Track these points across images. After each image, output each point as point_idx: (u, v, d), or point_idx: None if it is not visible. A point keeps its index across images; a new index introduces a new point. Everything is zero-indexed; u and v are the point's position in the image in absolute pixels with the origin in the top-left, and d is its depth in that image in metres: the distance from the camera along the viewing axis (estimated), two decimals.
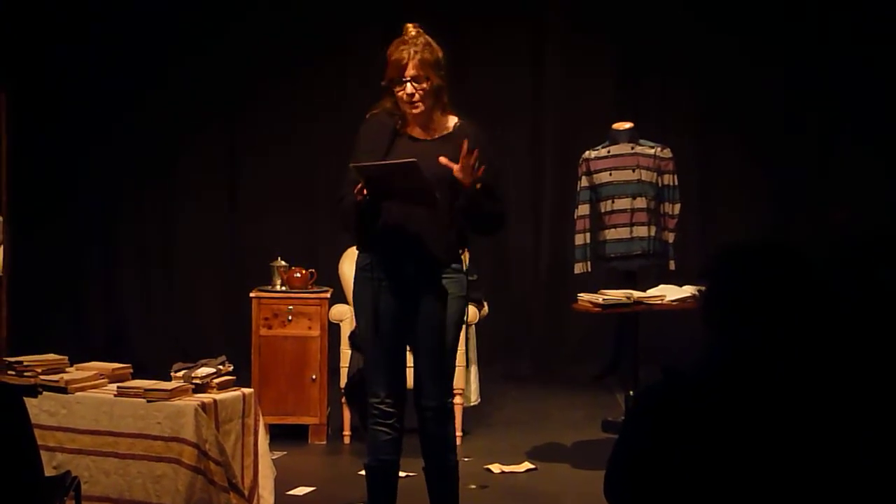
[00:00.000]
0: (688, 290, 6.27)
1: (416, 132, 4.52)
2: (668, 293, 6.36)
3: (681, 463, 2.45)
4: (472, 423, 7.10)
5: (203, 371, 5.19)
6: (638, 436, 2.55)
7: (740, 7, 8.79)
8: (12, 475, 3.19)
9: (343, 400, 6.64)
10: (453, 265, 4.58)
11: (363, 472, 4.70)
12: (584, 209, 6.91)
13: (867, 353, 2.55)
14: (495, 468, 6.22)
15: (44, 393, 5.11)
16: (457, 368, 6.47)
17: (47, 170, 8.81)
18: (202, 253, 9.11)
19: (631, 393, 6.81)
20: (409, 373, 4.63)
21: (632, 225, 6.78)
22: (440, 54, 4.47)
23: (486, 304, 7.04)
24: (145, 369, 6.32)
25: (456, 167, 4.31)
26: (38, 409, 5.03)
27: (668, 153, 6.84)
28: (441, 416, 4.58)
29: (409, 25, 4.49)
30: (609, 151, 6.86)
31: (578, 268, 6.95)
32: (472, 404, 6.92)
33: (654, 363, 3.16)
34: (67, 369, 5.31)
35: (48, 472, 4.32)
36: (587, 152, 6.93)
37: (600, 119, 7.70)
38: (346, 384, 6.57)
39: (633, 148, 6.83)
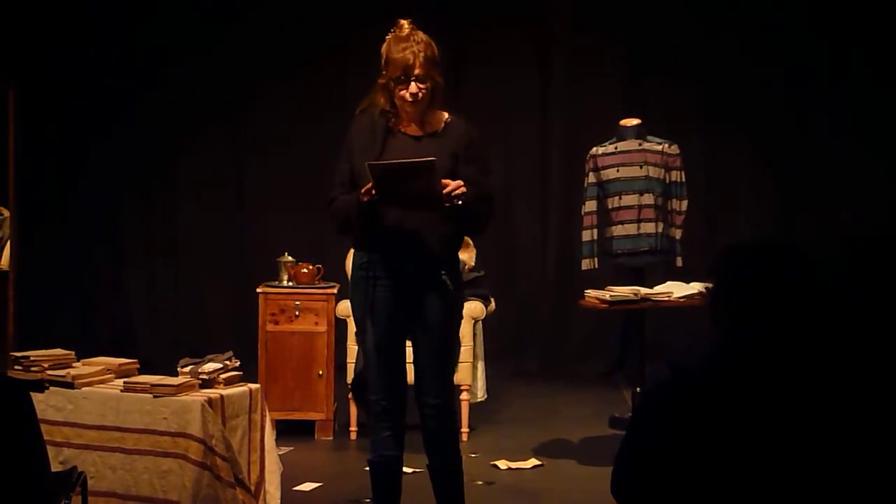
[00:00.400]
0: (695, 287, 6.25)
1: (410, 129, 4.51)
2: (676, 290, 6.34)
3: (687, 459, 2.45)
4: (479, 419, 7.10)
5: (210, 366, 5.19)
6: (645, 432, 2.55)
7: (746, 5, 8.78)
8: (19, 471, 3.19)
9: (350, 396, 6.64)
10: (450, 262, 4.57)
11: (368, 468, 4.70)
12: (591, 205, 6.91)
13: (868, 353, 2.54)
14: (502, 464, 6.22)
15: (50, 388, 5.11)
16: (464, 364, 6.54)
17: (54, 166, 8.84)
18: (209, 248, 9.13)
19: (638, 389, 6.82)
20: (410, 369, 4.63)
21: (639, 221, 6.77)
22: (437, 51, 4.48)
23: (492, 300, 7.03)
24: (152, 364, 6.32)
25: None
26: (45, 404, 5.03)
27: (675, 149, 6.83)
28: (442, 414, 4.57)
29: (404, 22, 4.47)
30: (616, 148, 6.85)
31: (585, 264, 6.95)
32: (478, 400, 6.92)
33: (661, 360, 3.15)
34: (74, 364, 5.31)
35: (55, 467, 4.32)
36: (594, 149, 6.92)
37: (607, 116, 7.69)
38: (353, 380, 6.56)
39: (640, 144, 6.83)
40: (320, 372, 6.74)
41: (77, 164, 8.95)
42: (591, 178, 6.90)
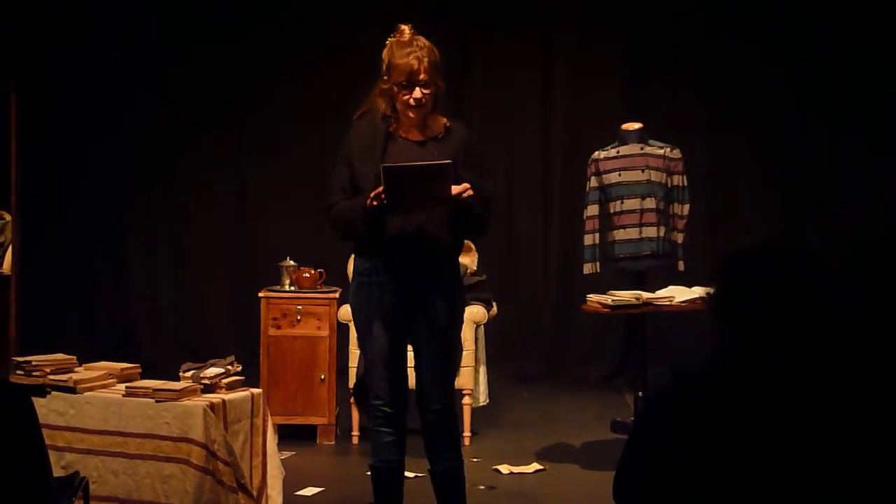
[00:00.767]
0: (697, 292, 6.25)
1: (410, 134, 4.51)
2: (678, 294, 6.34)
3: (689, 464, 2.45)
4: (481, 423, 7.09)
5: (212, 371, 5.19)
6: (647, 437, 2.54)
7: (749, 8, 8.78)
8: (21, 475, 3.19)
9: (352, 400, 6.63)
10: (452, 267, 4.57)
11: (369, 473, 4.70)
12: (593, 210, 6.91)
13: (869, 359, 2.54)
14: (504, 469, 6.21)
15: (52, 393, 5.11)
16: (465, 369, 6.54)
17: (56, 170, 8.84)
18: (211, 253, 9.13)
19: (640, 394, 6.81)
20: (411, 374, 4.62)
21: (641, 225, 6.77)
22: (439, 56, 4.49)
23: (494, 304, 7.03)
24: (154, 369, 6.33)
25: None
26: (47, 408, 5.03)
27: (677, 154, 6.84)
28: (444, 419, 4.58)
29: (405, 27, 4.48)
30: (618, 152, 6.85)
31: (587, 268, 6.95)
32: (480, 405, 6.91)
33: (664, 364, 3.16)
34: (76, 369, 5.31)
35: (57, 472, 4.32)
36: (596, 153, 6.92)
37: (609, 120, 7.70)
38: (355, 384, 6.57)
39: (642, 148, 6.83)
40: (322, 376, 6.73)
41: (78, 168, 8.95)
42: (593, 182, 6.90)
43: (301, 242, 8.15)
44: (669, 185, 6.81)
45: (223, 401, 5.03)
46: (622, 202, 6.80)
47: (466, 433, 6.68)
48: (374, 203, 4.28)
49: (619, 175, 6.82)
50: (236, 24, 8.97)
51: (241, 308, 8.66)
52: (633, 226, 6.78)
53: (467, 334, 6.36)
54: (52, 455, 4.10)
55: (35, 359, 5.29)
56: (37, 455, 3.31)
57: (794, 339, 2.46)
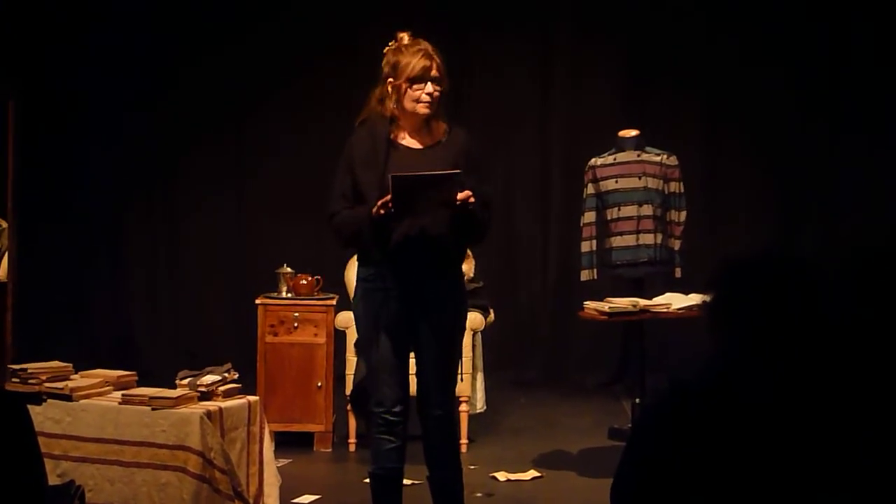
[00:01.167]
0: (694, 299, 6.25)
1: (411, 140, 4.52)
2: (675, 301, 6.34)
3: (687, 471, 2.44)
4: (479, 430, 7.08)
5: (208, 378, 5.19)
6: (645, 444, 2.54)
7: (746, 14, 8.78)
8: (15, 484, 3.18)
9: (349, 407, 6.62)
10: (456, 272, 4.58)
11: (368, 480, 4.69)
12: (590, 216, 6.91)
13: (867, 367, 2.54)
14: (501, 476, 6.20)
15: (48, 400, 5.11)
16: (463, 376, 6.52)
17: (53, 175, 8.81)
18: (208, 259, 9.12)
19: (638, 401, 6.80)
20: (412, 380, 4.62)
21: (638, 232, 6.77)
22: None
23: (491, 311, 7.02)
24: (150, 377, 6.31)
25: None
26: (43, 416, 5.03)
27: (674, 160, 6.84)
28: (445, 425, 4.58)
29: (404, 35, 4.50)
30: (615, 159, 6.85)
31: (585, 275, 6.95)
32: (478, 412, 6.91)
33: (661, 371, 3.16)
34: (72, 377, 5.31)
35: (52, 480, 4.31)
36: (593, 160, 6.92)
37: (606, 126, 7.70)
38: (352, 391, 6.56)
39: (639, 155, 6.83)
40: (319, 383, 6.72)
41: (80, 170, 8.93)
42: (590, 189, 6.90)
43: (298, 249, 8.14)
44: (666, 192, 6.82)
45: (220, 408, 5.02)
46: (619, 209, 6.80)
47: (464, 440, 6.67)
48: (382, 212, 4.28)
49: (616, 182, 6.82)
50: (236, 25, 8.97)
51: (238, 315, 8.65)
52: (630, 233, 6.78)
53: (465, 341, 6.33)
54: (48, 463, 4.09)
55: (31, 366, 5.29)
56: (33, 463, 3.30)
57: (790, 346, 2.46)
